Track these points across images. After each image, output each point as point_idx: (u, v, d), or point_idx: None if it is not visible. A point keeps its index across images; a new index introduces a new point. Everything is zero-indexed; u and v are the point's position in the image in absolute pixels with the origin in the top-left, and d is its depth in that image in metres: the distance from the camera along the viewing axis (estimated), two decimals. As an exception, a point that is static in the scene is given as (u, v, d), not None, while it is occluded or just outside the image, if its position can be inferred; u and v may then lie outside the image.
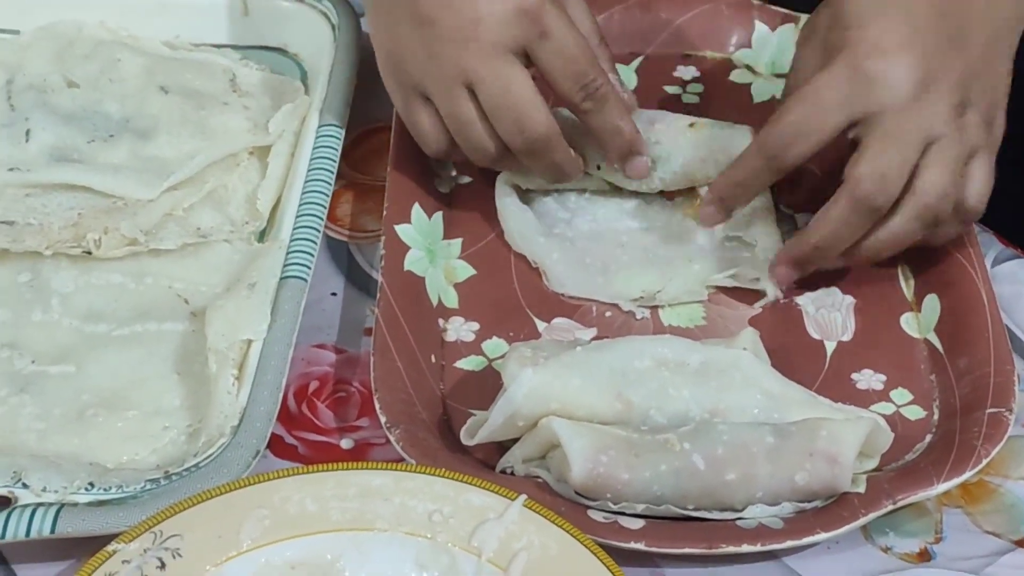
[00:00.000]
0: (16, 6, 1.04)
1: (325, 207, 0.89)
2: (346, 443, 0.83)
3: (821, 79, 0.83)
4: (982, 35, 0.84)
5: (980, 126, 0.84)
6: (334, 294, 0.91)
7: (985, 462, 0.77)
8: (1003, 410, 0.79)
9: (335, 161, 0.92)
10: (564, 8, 0.86)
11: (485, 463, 0.79)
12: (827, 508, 0.76)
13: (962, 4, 0.84)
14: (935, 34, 0.83)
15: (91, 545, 0.72)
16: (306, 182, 0.90)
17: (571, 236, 0.91)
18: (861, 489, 0.76)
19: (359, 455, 0.82)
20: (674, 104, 1.01)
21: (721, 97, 1.02)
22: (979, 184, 0.85)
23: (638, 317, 0.88)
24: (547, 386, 0.77)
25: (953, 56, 0.83)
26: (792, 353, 0.86)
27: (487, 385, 0.82)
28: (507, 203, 0.92)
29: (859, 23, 0.83)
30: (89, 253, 0.87)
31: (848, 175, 0.83)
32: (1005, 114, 0.86)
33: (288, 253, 0.86)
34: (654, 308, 0.88)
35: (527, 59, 0.85)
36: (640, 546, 0.73)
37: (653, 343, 0.80)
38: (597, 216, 0.93)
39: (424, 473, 0.74)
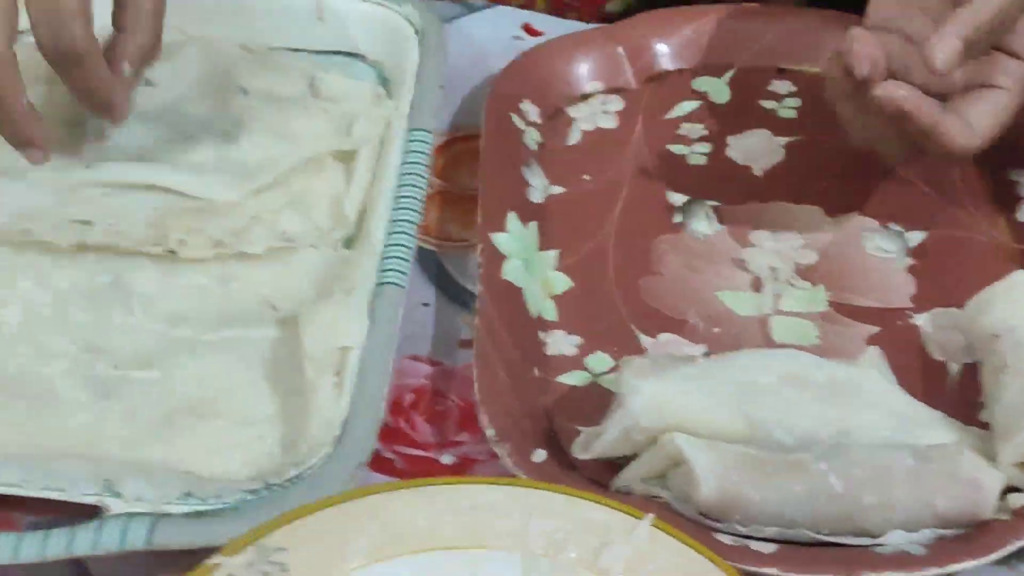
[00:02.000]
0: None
1: (420, 214, 0.85)
2: (446, 459, 0.78)
3: None
4: None
5: None
6: (426, 304, 0.86)
7: None
8: None
9: (427, 167, 0.88)
10: None
11: (596, 481, 0.75)
12: (970, 535, 0.71)
13: None
14: None
15: (183, 560, 0.68)
16: (400, 187, 0.86)
17: None
18: (1006, 516, 0.72)
19: (461, 471, 0.77)
20: (772, 119, 0.98)
21: (820, 112, 0.98)
22: None
23: (748, 332, 0.84)
24: (667, 399, 0.73)
25: None
26: (912, 375, 0.81)
27: (593, 401, 0.78)
28: None
29: None
30: (173, 252, 0.82)
31: None
32: None
33: (383, 259, 0.82)
34: (764, 320, 0.84)
35: None
36: (774, 572, 0.69)
37: (777, 357, 0.77)
38: None
39: (542, 489, 0.70)
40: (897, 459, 0.71)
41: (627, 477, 0.74)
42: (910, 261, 0.88)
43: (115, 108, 0.85)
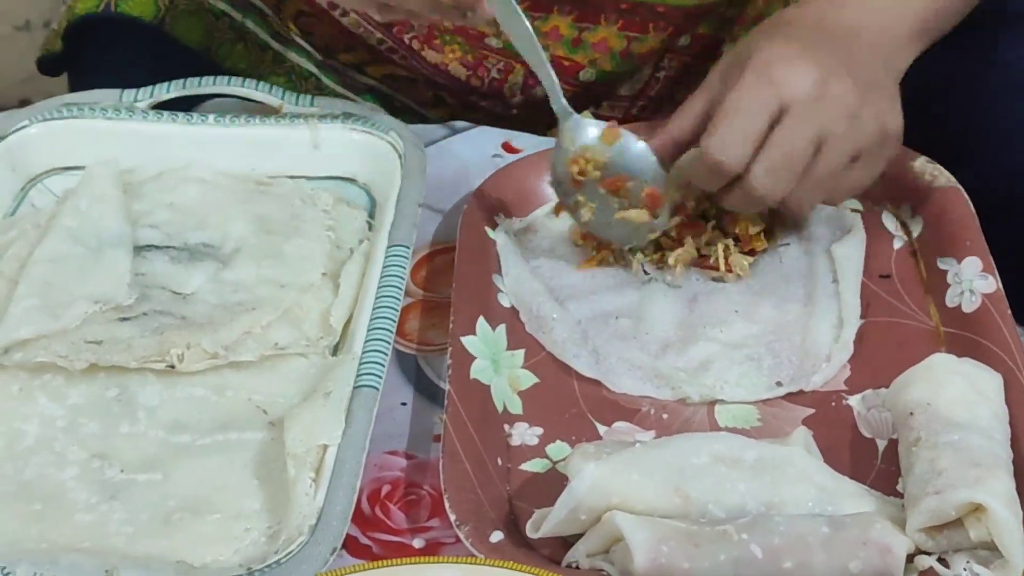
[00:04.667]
0: (81, 144, 1.09)
1: (395, 321, 0.94)
2: (418, 542, 0.86)
3: (737, 91, 0.93)
4: (866, 50, 0.96)
5: (872, 132, 0.95)
6: (404, 404, 0.95)
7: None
8: (1055, 497, 0.82)
9: (403, 279, 0.97)
10: None
11: (551, 559, 0.83)
12: (882, 595, 0.79)
13: (838, 25, 0.97)
14: (822, 51, 0.94)
15: (178, 640, 0.76)
16: (377, 298, 0.95)
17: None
18: (914, 577, 0.79)
19: (430, 553, 0.86)
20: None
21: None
22: (846, 188, 0.98)
23: (696, 417, 0.92)
24: (608, 480, 0.81)
25: (842, 65, 0.94)
26: (844, 452, 0.89)
27: (551, 486, 0.86)
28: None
29: (756, 48, 0.95)
30: (172, 367, 0.92)
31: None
32: (901, 115, 0.97)
33: (360, 364, 0.90)
34: (711, 407, 0.92)
35: None
36: (703, 633, 0.77)
37: (709, 440, 0.84)
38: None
39: (493, 566, 0.78)
40: (814, 527, 0.79)
41: (575, 553, 0.82)
42: (847, 347, 0.96)
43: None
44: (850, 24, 0.98)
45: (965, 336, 0.94)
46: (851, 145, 0.94)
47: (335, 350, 0.96)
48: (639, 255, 1.01)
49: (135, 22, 1.16)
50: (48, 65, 1.26)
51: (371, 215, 1.08)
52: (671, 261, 1.00)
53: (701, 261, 1.01)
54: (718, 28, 1.22)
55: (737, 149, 0.93)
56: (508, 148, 1.17)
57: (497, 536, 0.83)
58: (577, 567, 0.82)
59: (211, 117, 1.11)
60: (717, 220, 1.01)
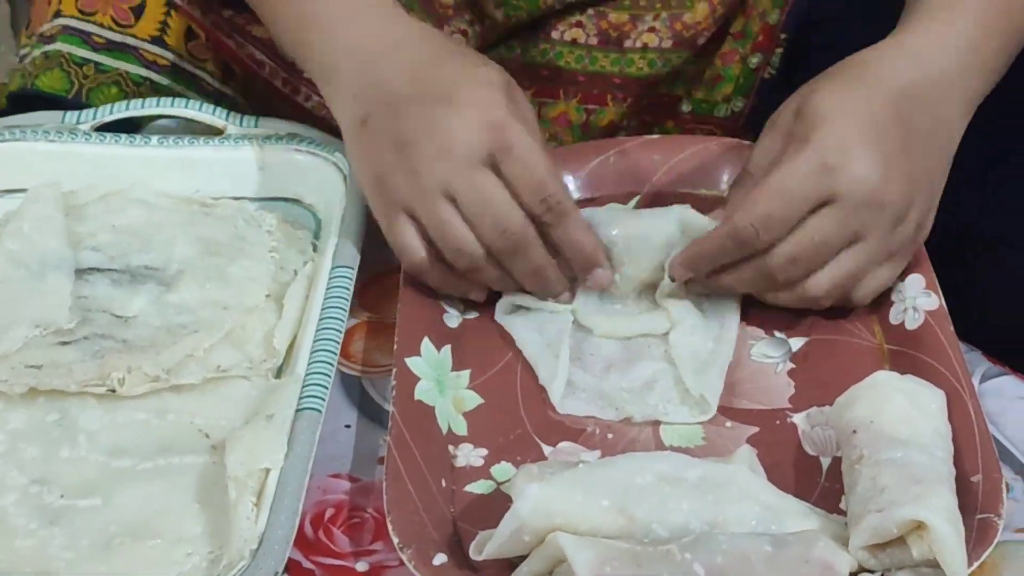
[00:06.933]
0: (23, 166, 1.09)
1: (338, 343, 0.93)
2: (361, 566, 0.86)
3: (788, 171, 0.90)
4: (932, 143, 0.93)
5: (910, 234, 0.93)
6: (348, 426, 0.95)
7: (976, 565, 0.80)
8: (992, 516, 0.82)
9: (348, 300, 0.96)
10: (528, 125, 0.93)
11: (494, 581, 0.83)
12: (824, 613, 0.78)
13: (915, 109, 0.92)
14: (891, 137, 0.90)
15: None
16: (320, 320, 0.94)
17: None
18: (856, 595, 0.79)
19: (374, 576, 0.85)
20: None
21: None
22: (872, 287, 0.95)
23: (641, 437, 0.92)
24: (552, 501, 0.80)
25: (903, 160, 0.90)
26: (788, 470, 0.89)
27: (496, 507, 0.85)
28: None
29: (825, 118, 0.91)
30: (114, 391, 0.91)
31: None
32: (935, 209, 0.95)
33: (303, 387, 0.90)
34: (656, 427, 0.92)
35: (497, 169, 0.92)
36: (646, 654, 0.76)
37: (653, 460, 0.84)
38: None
39: (436, 588, 0.78)
40: (756, 546, 0.79)
41: (519, 575, 0.81)
42: (791, 365, 0.96)
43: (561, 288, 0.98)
44: (921, 84, 0.94)
45: (908, 353, 0.95)
46: (888, 248, 0.93)
47: (279, 372, 0.96)
48: None
49: (55, 98, 1.16)
50: None
51: (316, 236, 1.07)
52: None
53: None
54: (673, 86, 1.21)
55: (771, 233, 0.91)
56: (456, 168, 1.16)
57: (440, 558, 0.82)
58: (521, 589, 0.81)
59: (154, 139, 1.11)
60: None
